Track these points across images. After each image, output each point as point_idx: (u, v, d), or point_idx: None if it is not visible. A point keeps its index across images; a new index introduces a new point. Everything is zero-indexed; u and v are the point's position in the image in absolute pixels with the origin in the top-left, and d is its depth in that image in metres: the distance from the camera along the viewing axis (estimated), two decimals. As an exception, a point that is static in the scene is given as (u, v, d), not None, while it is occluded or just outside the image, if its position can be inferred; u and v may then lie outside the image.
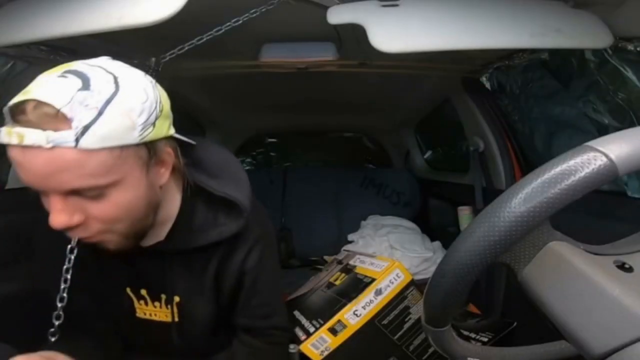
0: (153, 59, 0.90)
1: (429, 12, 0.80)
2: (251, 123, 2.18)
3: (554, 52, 1.03)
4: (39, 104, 0.48)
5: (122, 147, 0.53)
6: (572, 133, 1.16)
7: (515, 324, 1.13)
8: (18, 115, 0.49)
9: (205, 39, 0.83)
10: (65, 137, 0.48)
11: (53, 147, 0.48)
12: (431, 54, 0.77)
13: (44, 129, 0.48)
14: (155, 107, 0.56)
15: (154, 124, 0.56)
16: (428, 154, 2.23)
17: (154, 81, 0.60)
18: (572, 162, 0.33)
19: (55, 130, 0.48)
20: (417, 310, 1.02)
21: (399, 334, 1.02)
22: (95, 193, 0.54)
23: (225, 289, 0.76)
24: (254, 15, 0.80)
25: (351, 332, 0.98)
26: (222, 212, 0.71)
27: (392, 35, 0.77)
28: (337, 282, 1.18)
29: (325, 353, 0.96)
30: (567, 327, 0.34)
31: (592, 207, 0.88)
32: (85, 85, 0.50)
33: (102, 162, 0.51)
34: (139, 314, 0.76)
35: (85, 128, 0.49)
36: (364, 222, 1.95)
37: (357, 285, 1.08)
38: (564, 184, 0.32)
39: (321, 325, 1.01)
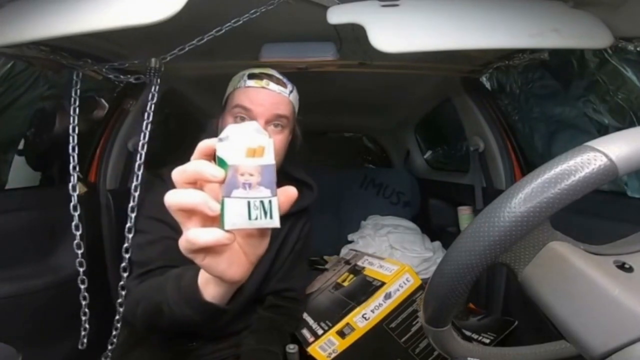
0: (154, 60, 0.90)
1: (429, 12, 0.80)
2: (251, 123, 2.17)
3: (554, 52, 1.03)
4: (272, 75, 0.90)
5: (294, 107, 0.94)
6: (572, 133, 1.16)
7: (516, 322, 1.13)
8: (260, 75, 0.89)
9: (205, 39, 0.83)
10: (286, 90, 0.91)
11: (279, 93, 0.89)
12: (431, 54, 0.77)
13: (277, 84, 0.89)
14: None
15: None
16: (428, 154, 2.23)
17: None
18: (572, 162, 0.33)
19: (283, 87, 0.90)
20: (425, 314, 1.02)
21: (406, 337, 1.01)
22: (283, 123, 0.89)
23: (285, 252, 1.00)
24: (254, 15, 0.80)
25: (359, 335, 0.97)
26: None
27: (392, 35, 0.77)
28: (345, 284, 1.17)
29: (333, 355, 0.96)
30: (567, 327, 0.34)
31: (592, 207, 0.88)
32: (282, 75, 0.93)
33: (292, 108, 0.92)
34: None
35: (290, 92, 0.92)
36: (364, 222, 1.95)
37: (367, 288, 1.07)
38: (564, 184, 0.32)
39: (330, 327, 1.00)
